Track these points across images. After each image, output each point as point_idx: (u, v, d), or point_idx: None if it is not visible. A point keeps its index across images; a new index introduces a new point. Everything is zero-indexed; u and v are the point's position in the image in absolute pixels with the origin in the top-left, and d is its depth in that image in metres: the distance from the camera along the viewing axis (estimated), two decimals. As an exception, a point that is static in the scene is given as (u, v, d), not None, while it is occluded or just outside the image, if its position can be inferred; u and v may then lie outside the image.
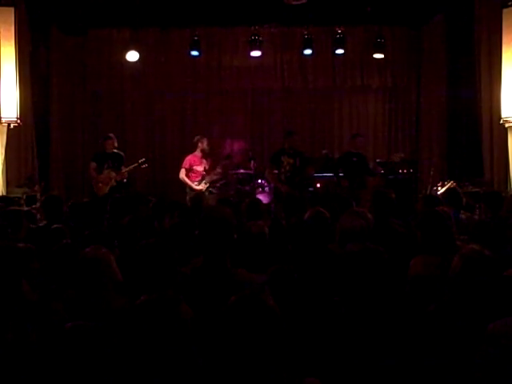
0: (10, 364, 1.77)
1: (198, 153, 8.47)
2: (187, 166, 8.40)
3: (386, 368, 2.34)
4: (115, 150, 8.22)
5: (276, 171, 8.09)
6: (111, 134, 8.32)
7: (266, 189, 8.85)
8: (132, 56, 9.23)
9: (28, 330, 2.30)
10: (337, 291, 2.68)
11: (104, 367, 2.00)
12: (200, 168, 8.44)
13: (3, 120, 7.58)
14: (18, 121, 7.73)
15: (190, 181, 8.36)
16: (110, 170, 8.08)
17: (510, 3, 7.38)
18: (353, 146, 8.34)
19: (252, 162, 8.94)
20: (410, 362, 2.35)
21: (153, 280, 2.52)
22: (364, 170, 8.10)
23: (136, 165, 8.21)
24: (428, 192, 7.96)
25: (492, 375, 2.01)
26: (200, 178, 8.40)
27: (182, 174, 8.39)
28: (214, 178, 8.56)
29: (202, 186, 8.35)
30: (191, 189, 8.26)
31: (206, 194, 8.05)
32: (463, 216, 4.86)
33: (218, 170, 8.59)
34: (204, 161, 8.49)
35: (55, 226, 4.26)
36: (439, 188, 7.63)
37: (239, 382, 1.63)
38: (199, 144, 8.45)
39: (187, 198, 8.01)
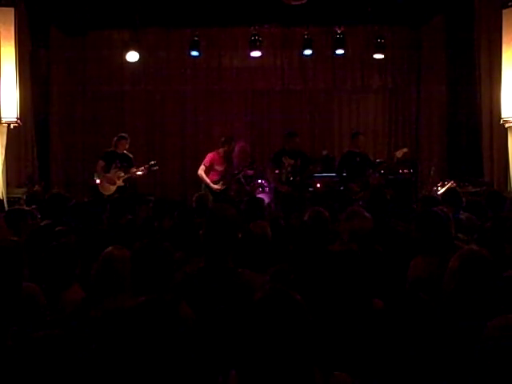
0: (10, 369, 1.77)
1: (221, 152, 8.35)
2: (208, 164, 8.27)
3: (385, 366, 2.34)
4: (125, 152, 8.18)
5: (277, 171, 8.08)
6: (125, 134, 8.25)
7: (266, 189, 8.85)
8: (132, 56, 9.23)
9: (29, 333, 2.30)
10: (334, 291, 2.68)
11: (103, 367, 2.00)
12: (221, 168, 8.31)
13: (3, 120, 7.56)
14: (18, 121, 7.72)
15: (209, 179, 8.25)
16: (118, 169, 8.05)
17: (510, 3, 7.37)
18: (354, 145, 8.30)
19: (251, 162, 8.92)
20: (409, 361, 2.35)
21: (150, 281, 2.52)
22: (369, 167, 8.03)
23: (147, 166, 8.20)
24: (428, 192, 7.95)
25: (491, 372, 2.01)
26: (219, 178, 8.29)
27: (201, 171, 8.25)
28: (233, 182, 8.47)
29: (220, 186, 8.24)
30: (208, 187, 8.17)
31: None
32: (462, 216, 4.85)
33: (241, 178, 8.48)
34: (225, 162, 8.39)
35: (59, 227, 4.25)
36: (439, 188, 7.62)
37: (272, 377, 1.62)
38: (226, 146, 8.31)
39: None
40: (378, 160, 8.98)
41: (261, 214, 4.64)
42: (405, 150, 8.12)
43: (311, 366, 1.67)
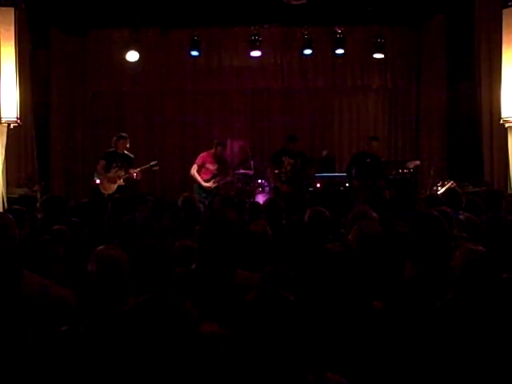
0: (8, 367, 1.77)
1: (212, 153, 8.55)
2: (200, 163, 8.49)
3: (386, 365, 2.34)
4: (126, 152, 8.19)
5: (277, 171, 8.09)
6: (125, 134, 8.27)
7: (266, 189, 8.86)
8: (132, 56, 9.24)
9: (27, 333, 2.30)
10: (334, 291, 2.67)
11: (103, 367, 1.99)
12: (212, 167, 8.51)
13: (3, 120, 7.55)
14: (18, 121, 7.71)
15: (200, 178, 8.44)
16: (118, 169, 8.07)
17: (510, 3, 7.37)
18: (368, 148, 8.36)
19: (252, 161, 8.95)
20: (412, 361, 2.35)
21: (150, 279, 2.52)
22: (376, 173, 8.05)
23: (147, 166, 8.23)
24: (428, 192, 7.95)
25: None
26: (210, 177, 8.47)
27: (194, 170, 8.48)
28: (224, 181, 8.64)
29: (211, 184, 8.44)
30: (200, 185, 8.36)
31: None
32: (462, 217, 4.83)
33: (230, 177, 8.74)
34: (216, 162, 8.55)
35: (57, 226, 4.24)
36: (439, 188, 7.62)
37: (262, 376, 1.62)
38: (218, 147, 8.51)
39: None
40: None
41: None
42: (417, 162, 8.20)
43: (303, 368, 1.67)
